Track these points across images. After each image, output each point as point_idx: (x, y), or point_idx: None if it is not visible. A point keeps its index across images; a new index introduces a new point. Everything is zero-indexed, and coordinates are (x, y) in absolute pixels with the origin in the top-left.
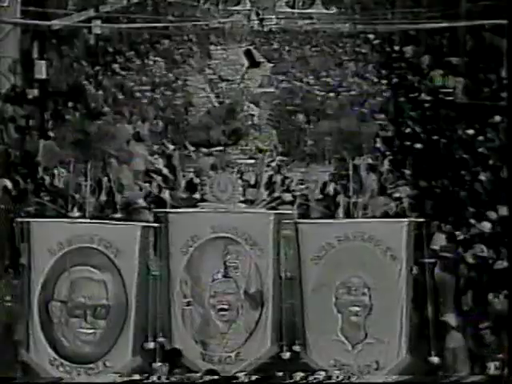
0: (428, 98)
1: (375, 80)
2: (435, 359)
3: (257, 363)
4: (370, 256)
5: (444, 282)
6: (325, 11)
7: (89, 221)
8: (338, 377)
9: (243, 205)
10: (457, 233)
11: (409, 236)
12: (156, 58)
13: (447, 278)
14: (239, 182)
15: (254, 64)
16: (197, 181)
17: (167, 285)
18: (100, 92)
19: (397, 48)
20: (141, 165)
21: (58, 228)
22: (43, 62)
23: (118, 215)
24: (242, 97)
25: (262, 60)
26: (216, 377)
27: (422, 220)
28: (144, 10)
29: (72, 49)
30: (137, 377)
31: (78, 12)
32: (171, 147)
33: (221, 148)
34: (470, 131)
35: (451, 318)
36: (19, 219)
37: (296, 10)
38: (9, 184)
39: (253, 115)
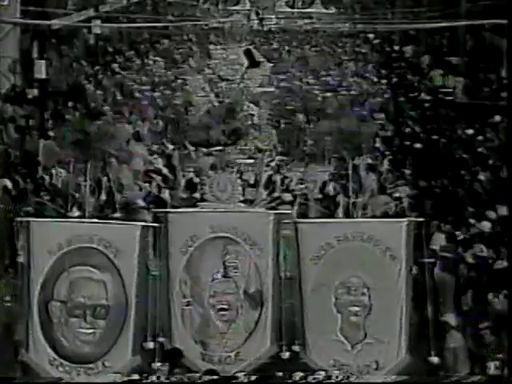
0: (428, 97)
1: (375, 80)
2: (435, 359)
3: (256, 363)
4: (369, 256)
5: (444, 281)
6: (324, 11)
7: (88, 220)
8: (337, 377)
9: (243, 205)
10: (457, 233)
11: (408, 236)
12: (156, 58)
13: (447, 277)
14: (239, 181)
15: (253, 64)
16: (197, 180)
17: (167, 285)
18: (100, 92)
19: (397, 48)
20: (140, 165)
21: (58, 228)
22: (43, 61)
23: (118, 215)
24: (242, 96)
25: (261, 60)
26: (216, 377)
27: (421, 220)
28: (144, 9)
29: (72, 48)
30: (136, 377)
31: (78, 12)
32: (171, 147)
33: (220, 148)
34: (470, 131)
35: (451, 318)
36: (19, 219)
37: (296, 10)
38: (9, 184)
39: (252, 115)
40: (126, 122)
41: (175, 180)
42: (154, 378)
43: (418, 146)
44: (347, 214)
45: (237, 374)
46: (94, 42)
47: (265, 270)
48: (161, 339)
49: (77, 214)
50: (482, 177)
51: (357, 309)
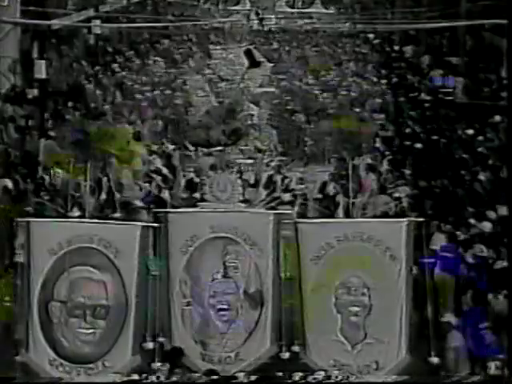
0: (428, 97)
1: (375, 80)
2: (435, 359)
3: (256, 363)
4: (369, 256)
5: (444, 281)
6: (324, 11)
7: (88, 221)
8: (337, 377)
9: (243, 205)
10: (457, 233)
11: (408, 236)
12: (156, 58)
13: (447, 277)
14: (239, 181)
15: (254, 64)
16: (197, 180)
17: (167, 285)
18: (100, 92)
19: (397, 48)
20: (140, 165)
21: (58, 228)
22: (43, 61)
23: (118, 215)
24: (242, 97)
25: (262, 60)
26: (216, 377)
27: (421, 220)
28: (144, 9)
29: (72, 49)
30: (136, 377)
31: (78, 12)
32: (171, 147)
33: (221, 148)
34: (470, 131)
35: (452, 318)
36: (19, 219)
37: (296, 10)
38: (9, 184)
39: (252, 115)
40: (126, 122)
41: (175, 180)
42: (153, 378)
43: (418, 146)
44: (347, 214)
45: (237, 374)
46: (93, 42)
47: (265, 270)
48: (161, 339)
49: (77, 214)
50: (482, 177)
51: (357, 309)
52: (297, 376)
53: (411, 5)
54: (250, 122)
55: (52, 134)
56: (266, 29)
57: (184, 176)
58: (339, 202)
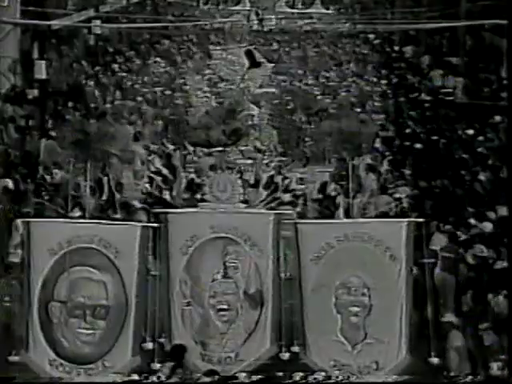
0: (428, 98)
1: (375, 80)
2: (435, 360)
3: (256, 363)
4: (369, 256)
5: (444, 282)
6: (324, 11)
7: (88, 221)
8: (337, 377)
9: (243, 205)
10: (457, 233)
11: (408, 236)
12: (156, 58)
13: (447, 278)
14: (239, 182)
15: (254, 64)
16: (198, 181)
17: (167, 285)
18: (100, 92)
19: (397, 48)
20: (140, 165)
21: (58, 228)
22: (43, 61)
23: (118, 215)
24: (243, 97)
25: (262, 60)
26: (216, 377)
27: (421, 220)
28: (144, 10)
29: (72, 49)
30: (136, 377)
31: (78, 12)
32: (171, 147)
33: (221, 148)
34: (470, 131)
35: (453, 318)
36: (19, 219)
37: (296, 10)
38: (9, 184)
39: (253, 115)
40: (126, 123)
41: (176, 180)
42: (154, 378)
43: (418, 146)
44: (347, 215)
45: (237, 375)
46: (94, 43)
47: (265, 271)
48: (161, 339)
49: (77, 214)
50: (482, 177)
51: (357, 309)
52: (297, 376)
53: (411, 5)
54: (250, 123)
55: (52, 133)
56: (266, 29)
57: (186, 177)
58: (339, 202)
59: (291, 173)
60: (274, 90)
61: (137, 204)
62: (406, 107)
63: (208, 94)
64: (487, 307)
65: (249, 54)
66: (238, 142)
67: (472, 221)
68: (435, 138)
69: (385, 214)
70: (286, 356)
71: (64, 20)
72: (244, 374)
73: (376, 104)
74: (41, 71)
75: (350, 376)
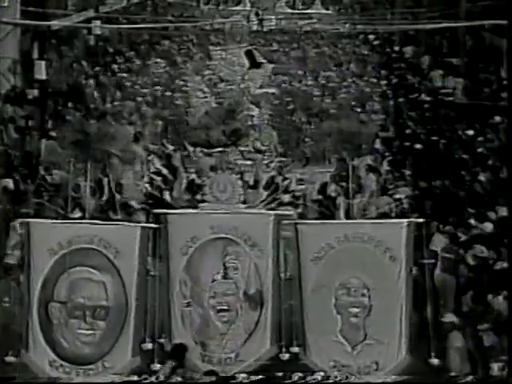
0: (428, 98)
1: (375, 81)
2: (435, 360)
3: (256, 364)
4: (369, 257)
5: (444, 282)
6: (324, 11)
7: (88, 221)
8: (337, 377)
9: (243, 205)
10: (457, 233)
11: (408, 237)
12: (156, 59)
13: (447, 278)
14: (239, 182)
15: (254, 64)
16: (198, 181)
17: (167, 285)
18: (100, 92)
19: (396, 48)
20: (140, 166)
21: (58, 228)
22: (43, 62)
23: (118, 216)
24: (243, 97)
25: (262, 61)
26: (215, 377)
27: (421, 221)
28: (143, 10)
29: (72, 49)
30: (136, 378)
31: (78, 12)
32: (171, 147)
33: (221, 149)
34: (470, 132)
35: (453, 318)
36: (19, 220)
37: (296, 11)
38: (9, 184)
39: (253, 116)
40: (126, 123)
41: (176, 181)
42: (153, 378)
43: (418, 146)
44: (347, 215)
45: (236, 375)
46: (93, 43)
47: (265, 271)
48: (161, 340)
49: (77, 215)
50: (482, 177)
51: (357, 310)
52: (296, 377)
53: (411, 5)
54: (250, 123)
55: (53, 134)
56: (266, 29)
57: (187, 177)
58: (339, 203)
59: (291, 173)
60: (273, 90)
61: (136, 205)
62: (405, 108)
63: (208, 95)
64: (487, 308)
65: (249, 54)
66: (237, 142)
67: (472, 221)
68: (435, 138)
69: (385, 215)
70: (285, 356)
71: (64, 20)
72: (244, 375)
73: (376, 104)
74: (41, 71)
75: (349, 376)
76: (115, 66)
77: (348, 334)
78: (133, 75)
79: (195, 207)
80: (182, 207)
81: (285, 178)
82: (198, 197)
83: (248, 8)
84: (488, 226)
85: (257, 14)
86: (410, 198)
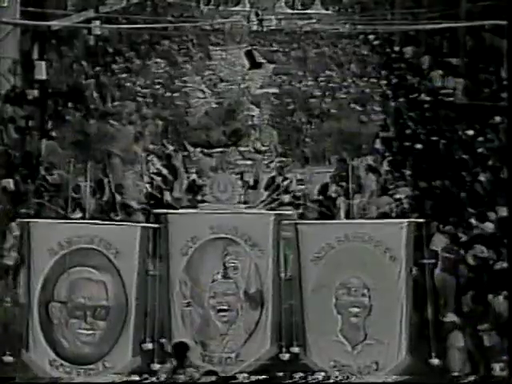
0: (428, 98)
1: (375, 81)
2: (435, 360)
3: (256, 364)
4: (369, 257)
5: (444, 282)
6: (324, 12)
7: (88, 221)
8: (337, 377)
9: (243, 205)
10: (457, 233)
11: (408, 237)
12: (156, 59)
13: (447, 278)
14: (239, 182)
15: (255, 65)
16: (199, 181)
17: (167, 285)
18: (100, 92)
19: (397, 49)
20: (141, 166)
21: (58, 229)
22: (43, 62)
23: (119, 216)
24: (244, 98)
25: (262, 61)
26: (215, 377)
27: (421, 221)
28: (143, 10)
29: (72, 49)
30: (136, 377)
31: (78, 13)
32: (171, 148)
33: (221, 149)
34: (470, 132)
35: (454, 318)
36: (19, 220)
37: (296, 11)
38: (9, 185)
39: (253, 116)
40: (126, 123)
41: (176, 181)
42: (153, 378)
43: (418, 146)
44: (347, 215)
45: (237, 375)
46: (93, 43)
47: (265, 271)
48: (161, 340)
49: (78, 215)
50: (482, 178)
51: (357, 310)
52: (297, 376)
53: (411, 6)
54: (250, 123)
55: (53, 134)
56: (265, 30)
57: (188, 178)
58: (340, 203)
59: (291, 173)
60: (274, 90)
61: (136, 205)
62: (406, 108)
63: (208, 95)
64: (487, 308)
65: (249, 54)
66: (238, 142)
67: (473, 221)
68: (435, 138)
69: (385, 215)
70: (286, 356)
71: (64, 21)
72: (244, 375)
73: (376, 105)
74: (41, 72)
75: (349, 376)
76: (115, 66)
77: (348, 334)
78: (133, 75)
79: (195, 207)
80: (183, 207)
81: (285, 178)
82: (198, 197)
83: (248, 8)
84: (489, 226)
85: (257, 15)
86: (410, 198)
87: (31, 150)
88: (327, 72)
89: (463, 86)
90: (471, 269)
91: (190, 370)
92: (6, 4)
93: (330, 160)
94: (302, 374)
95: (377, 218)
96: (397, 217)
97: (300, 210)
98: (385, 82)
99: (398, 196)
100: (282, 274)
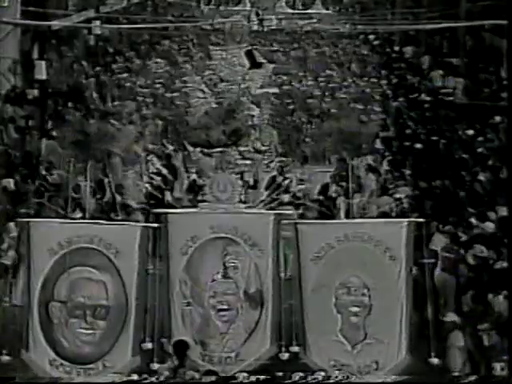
0: (428, 98)
1: (375, 81)
2: (435, 360)
3: (256, 363)
4: (369, 256)
5: (444, 282)
6: (325, 11)
7: (88, 221)
8: (337, 377)
9: (243, 205)
10: (457, 233)
11: (408, 236)
12: (156, 59)
13: (447, 278)
14: (239, 182)
15: (255, 65)
16: (199, 181)
17: (167, 285)
18: (100, 92)
19: (397, 48)
20: (141, 166)
21: (58, 228)
22: (43, 62)
23: (119, 216)
24: (244, 97)
25: (263, 61)
26: (215, 377)
27: (421, 220)
28: (144, 10)
29: (72, 49)
30: (136, 377)
31: (78, 12)
32: (171, 147)
33: (221, 149)
34: (470, 132)
35: (455, 318)
36: (19, 219)
37: (296, 11)
38: (9, 184)
39: (253, 116)
40: (126, 123)
41: (177, 181)
42: (153, 378)
43: (418, 146)
44: (347, 215)
45: (237, 375)
46: (94, 43)
47: (265, 271)
48: (161, 339)
49: (78, 215)
50: (482, 177)
51: (357, 309)
52: (297, 376)
53: (411, 5)
54: (250, 123)
55: (53, 134)
56: (266, 29)
57: (189, 178)
58: (340, 202)
59: (291, 173)
60: (274, 90)
61: (135, 204)
62: (406, 107)
63: (208, 95)
64: (487, 307)
65: (249, 54)
66: (238, 142)
67: (472, 221)
68: (435, 138)
69: (385, 214)
70: (285, 356)
71: (64, 20)
72: (244, 374)
73: (376, 104)
74: (41, 72)
75: (349, 376)
76: (115, 66)
77: (348, 334)
78: (133, 75)
79: (195, 207)
80: (184, 207)
81: (285, 178)
82: (198, 197)
83: (248, 8)
84: (489, 226)
85: (257, 14)
86: (410, 198)
87: (31, 150)
88: (327, 72)
89: (463, 85)
90: (471, 268)
91: (191, 370)
92: (6, 4)
93: (330, 160)
94: (301, 374)
95: (377, 217)
96: (397, 216)
97: (300, 211)
98: (385, 81)
99: (397, 196)
100: (282, 274)
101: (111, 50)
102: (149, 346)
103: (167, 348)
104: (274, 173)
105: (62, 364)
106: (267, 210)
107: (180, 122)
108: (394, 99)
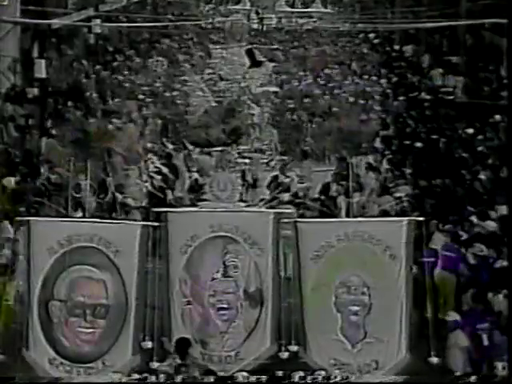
0: (428, 97)
1: (375, 79)
2: (435, 359)
3: (256, 362)
4: (369, 255)
5: (444, 281)
6: (324, 10)
7: (88, 220)
8: (337, 376)
9: (243, 204)
10: (457, 232)
11: (408, 235)
12: (156, 58)
13: (447, 277)
14: (239, 181)
15: (255, 63)
16: (201, 180)
17: (167, 284)
18: (100, 91)
19: (397, 47)
20: (141, 165)
21: (58, 227)
22: (43, 61)
23: (119, 215)
24: (244, 96)
25: (263, 59)
26: (215, 376)
27: (421, 219)
28: (143, 9)
29: (72, 48)
30: (136, 376)
31: (78, 11)
32: (171, 146)
33: (221, 148)
34: (470, 130)
35: (456, 317)
36: (19, 218)
37: (296, 10)
38: (9, 183)
39: (253, 114)
40: (126, 122)
41: (178, 180)
42: (153, 377)
43: (418, 145)
44: (347, 214)
45: (236, 374)
46: (93, 42)
47: (265, 270)
48: (162, 338)
49: (78, 214)
50: (482, 176)
51: (357, 308)
52: (297, 375)
53: (411, 4)
54: (250, 122)
55: (53, 132)
56: (266, 28)
57: (190, 177)
58: (340, 201)
59: (291, 172)
60: (274, 89)
61: (133, 203)
62: (406, 106)
63: (208, 94)
64: (487, 306)
65: (249, 53)
66: (238, 141)
67: (473, 220)
68: (435, 137)
69: (385, 213)
70: (285, 355)
71: (64, 19)
72: (244, 373)
73: (376, 103)
74: (41, 70)
75: (349, 375)
76: (115, 65)
77: (348, 333)
78: (133, 74)
79: (195, 206)
80: (185, 206)
81: (285, 177)
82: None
83: (248, 7)
84: (489, 225)
85: (257, 13)
86: (410, 197)
87: (31, 149)
88: (327, 70)
89: (463, 84)
90: (471, 267)
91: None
92: (6, 2)
93: (330, 158)
94: (301, 373)
95: (377, 216)
96: (397, 215)
97: (300, 211)
98: (385, 80)
99: (398, 194)
100: (282, 273)
101: (111, 48)
102: (149, 344)
103: (167, 347)
104: (274, 172)
105: (61, 363)
106: (267, 208)
107: (180, 121)
108: (394, 98)
